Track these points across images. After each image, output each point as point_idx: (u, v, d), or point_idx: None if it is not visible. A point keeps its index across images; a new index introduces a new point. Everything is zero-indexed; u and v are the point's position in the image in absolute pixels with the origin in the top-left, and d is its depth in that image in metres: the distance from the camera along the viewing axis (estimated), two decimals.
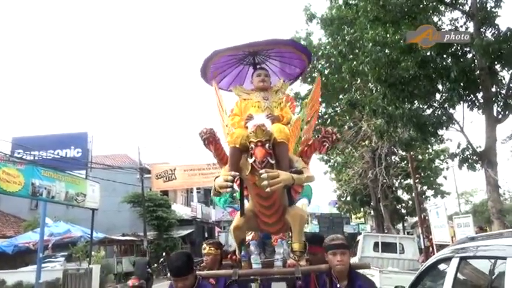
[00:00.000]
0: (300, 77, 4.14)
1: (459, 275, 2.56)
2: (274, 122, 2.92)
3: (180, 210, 25.65)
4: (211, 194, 2.94)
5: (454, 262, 2.63)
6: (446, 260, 2.90)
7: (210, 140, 2.93)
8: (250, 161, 2.59)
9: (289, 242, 3.16)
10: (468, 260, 2.61)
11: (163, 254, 20.26)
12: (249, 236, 3.65)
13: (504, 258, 2.07)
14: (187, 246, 24.12)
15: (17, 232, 18.76)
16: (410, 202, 24.33)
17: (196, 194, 30.16)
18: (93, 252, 15.27)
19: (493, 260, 2.28)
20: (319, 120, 12.98)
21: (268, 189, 2.42)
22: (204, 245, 3.52)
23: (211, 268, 3.34)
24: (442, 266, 3.01)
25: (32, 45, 79.32)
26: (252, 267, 3.18)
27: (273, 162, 2.59)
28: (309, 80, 15.02)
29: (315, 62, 13.81)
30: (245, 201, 3.17)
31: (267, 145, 2.58)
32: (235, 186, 2.99)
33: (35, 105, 64.95)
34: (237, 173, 2.66)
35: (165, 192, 23.12)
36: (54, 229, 16.19)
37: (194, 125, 75.96)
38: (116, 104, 73.79)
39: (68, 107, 67.12)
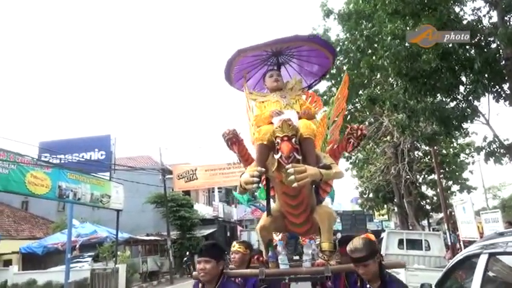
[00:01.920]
0: (325, 77, 4.08)
1: (488, 272, 2.49)
2: (306, 116, 2.87)
3: (202, 209, 25.89)
4: (237, 191, 2.98)
5: (483, 258, 2.57)
6: (475, 256, 2.83)
7: (234, 140, 2.90)
8: (277, 156, 2.52)
9: (318, 242, 3.04)
10: (497, 256, 2.54)
11: (187, 253, 20.50)
12: (278, 237, 3.58)
13: None
14: None
15: (46, 233, 19.38)
16: (435, 198, 23.81)
17: (218, 194, 30.37)
18: (118, 252, 15.61)
19: None
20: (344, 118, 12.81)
21: (295, 184, 2.33)
22: (234, 243, 3.50)
23: (239, 267, 3.25)
24: (470, 263, 2.93)
25: (56, 51, 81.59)
26: (280, 267, 3.07)
27: (299, 157, 2.51)
28: (327, 76, 14.88)
29: (333, 65, 13.68)
30: (271, 201, 3.12)
31: (294, 140, 2.51)
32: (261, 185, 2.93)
33: (61, 109, 66.82)
34: (264, 169, 2.59)
35: (187, 192, 23.38)
36: (81, 230, 16.66)
37: (214, 125, 76.50)
38: (137, 106, 75.12)
39: (91, 110, 68.78)
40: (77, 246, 15.66)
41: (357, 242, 2.42)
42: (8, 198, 20.81)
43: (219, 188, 28.98)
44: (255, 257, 3.29)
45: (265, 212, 2.96)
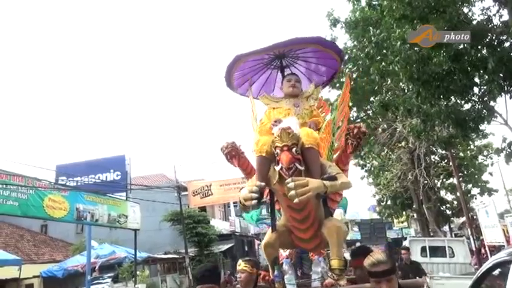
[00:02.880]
0: (334, 79, 3.85)
1: None
2: (312, 127, 2.74)
3: (219, 225, 25.79)
4: (238, 208, 2.83)
5: None
6: (505, 263, 2.71)
7: (233, 154, 2.78)
8: (277, 168, 2.37)
9: (328, 258, 2.84)
10: None
11: None
12: (286, 252, 3.42)
13: None
14: (229, 261, 24.15)
15: (66, 256, 19.52)
16: (455, 202, 23.31)
17: (234, 208, 30.27)
18: (138, 272, 15.59)
19: None
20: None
21: (296, 200, 2.15)
22: (240, 261, 3.31)
23: (245, 287, 3.10)
24: (500, 271, 2.81)
25: (71, 75, 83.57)
26: None
27: (302, 168, 2.34)
28: (337, 85, 14.84)
29: (341, 66, 13.64)
30: (277, 215, 2.93)
31: (294, 149, 2.33)
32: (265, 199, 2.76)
33: (75, 132, 68.06)
34: (263, 184, 2.41)
35: (203, 208, 23.36)
36: (99, 251, 16.72)
37: (227, 139, 76.61)
38: (150, 125, 76.03)
39: (104, 130, 69.84)
40: (97, 267, 15.70)
41: (379, 255, 2.19)
42: (27, 223, 21.12)
43: (234, 203, 28.91)
44: (262, 275, 3.14)
45: (270, 228, 2.76)
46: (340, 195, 3.09)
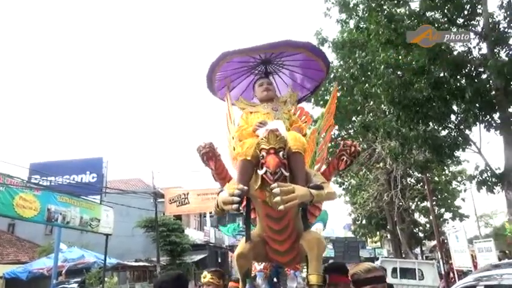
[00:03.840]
0: (316, 91, 3.69)
1: None
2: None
3: (194, 234, 25.48)
4: (213, 212, 2.53)
5: None
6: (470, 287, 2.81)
7: (210, 155, 2.55)
8: (261, 172, 2.19)
9: (305, 273, 2.66)
10: None
11: None
12: (261, 266, 3.27)
13: None
14: (201, 272, 23.80)
15: (32, 258, 18.82)
16: (427, 225, 23.80)
17: (209, 218, 30.00)
18: (106, 279, 15.16)
19: None
20: (332, 143, 12.85)
21: (281, 207, 2.00)
22: (205, 273, 3.09)
23: None
24: None
25: (47, 71, 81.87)
26: None
27: (287, 174, 2.19)
28: (321, 103, 15.07)
29: (327, 84, 13.86)
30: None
31: (281, 153, 2.18)
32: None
33: (52, 130, 66.42)
34: (246, 187, 2.21)
35: (178, 217, 23.04)
36: (68, 255, 16.20)
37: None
38: (129, 128, 74.99)
39: (83, 132, 68.44)
40: (63, 271, 15.17)
41: (368, 264, 2.15)
42: None
43: (210, 213, 28.66)
44: (233, 286, 2.92)
45: (244, 238, 2.56)
46: (319, 209, 2.97)
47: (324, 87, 13.66)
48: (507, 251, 13.45)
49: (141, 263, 20.68)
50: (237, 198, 2.11)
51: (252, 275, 2.77)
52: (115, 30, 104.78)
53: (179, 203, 19.49)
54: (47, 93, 76.27)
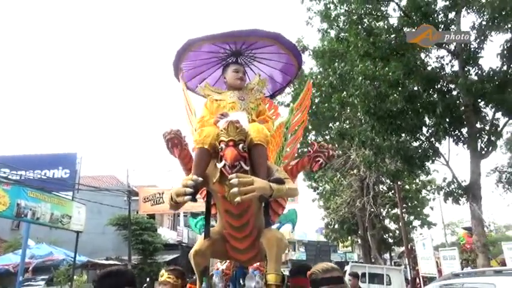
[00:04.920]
0: (288, 86, 3.56)
1: None
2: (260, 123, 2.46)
3: (166, 234, 25.21)
4: (168, 206, 2.30)
5: None
6: None
7: (175, 141, 2.39)
8: (219, 165, 2.08)
9: (263, 273, 2.56)
10: None
11: (147, 279, 19.76)
12: (223, 266, 3.15)
13: None
14: None
15: None
16: (397, 232, 24.43)
17: (183, 218, 29.78)
18: (75, 277, 14.84)
19: None
20: (308, 149, 13.07)
21: (238, 199, 1.91)
22: (163, 271, 2.94)
23: None
24: None
25: (22, 63, 79.22)
26: None
27: (247, 168, 2.09)
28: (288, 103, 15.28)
29: (298, 73, 14.00)
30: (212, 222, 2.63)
31: (241, 146, 2.07)
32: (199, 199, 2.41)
33: (23, 123, 64.24)
34: (200, 178, 2.10)
35: (151, 216, 22.77)
36: (36, 251, 15.74)
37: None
38: (103, 124, 73.46)
39: (55, 127, 66.53)
40: (30, 268, 14.74)
41: (326, 264, 2.04)
42: None
43: (184, 213, 28.45)
44: (188, 287, 2.80)
45: (202, 235, 2.46)
46: (282, 207, 2.89)
47: (300, 90, 13.92)
48: (469, 261, 14.04)
49: (111, 262, 20.31)
50: (189, 190, 2.02)
51: (210, 274, 2.66)
52: (89, 25, 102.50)
53: (154, 202, 19.27)
54: (19, 84, 73.79)
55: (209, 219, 2.52)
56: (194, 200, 2.08)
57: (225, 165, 2.04)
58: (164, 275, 2.87)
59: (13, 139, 59.43)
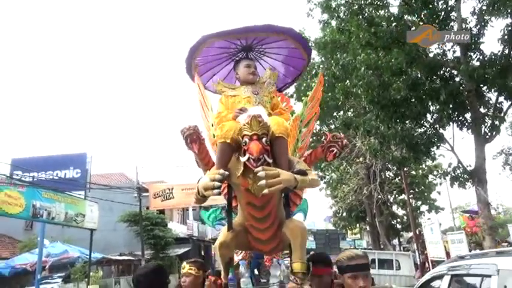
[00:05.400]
0: (296, 80, 3.63)
1: None
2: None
3: (176, 228, 25.54)
4: (194, 200, 2.40)
5: (446, 279, 2.89)
6: (440, 277, 3.14)
7: (194, 137, 2.46)
8: (243, 159, 2.10)
9: (288, 261, 2.60)
10: (458, 278, 2.86)
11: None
12: (238, 256, 3.19)
13: (489, 276, 2.33)
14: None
15: (13, 253, 18.60)
16: (405, 217, 24.57)
17: (192, 212, 30.10)
18: (91, 273, 15.22)
19: (479, 278, 2.53)
20: (313, 138, 13.19)
21: (266, 191, 1.97)
22: (184, 264, 2.99)
23: None
24: (435, 283, 3.24)
25: (30, 65, 79.59)
26: None
27: (270, 161, 2.11)
28: (303, 99, 15.37)
29: (308, 80, 14.14)
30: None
31: (264, 139, 2.11)
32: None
33: (34, 125, 64.81)
34: (227, 172, 2.16)
35: (161, 211, 23.07)
36: (51, 250, 16.12)
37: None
38: (112, 122, 73.86)
39: (65, 126, 67.06)
40: (47, 266, 15.15)
41: (355, 250, 2.15)
42: None
43: (193, 206, 28.74)
44: (212, 279, 2.86)
45: (226, 227, 2.52)
46: (300, 197, 2.97)
47: (305, 83, 14.00)
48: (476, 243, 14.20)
49: (125, 257, 20.71)
50: (218, 183, 2.07)
51: (235, 264, 2.68)
52: (95, 24, 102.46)
53: (164, 197, 19.53)
54: (27, 87, 74.21)
55: (231, 212, 2.57)
56: (220, 194, 2.15)
57: (249, 158, 2.06)
58: (186, 267, 2.91)
59: (25, 141, 60.06)
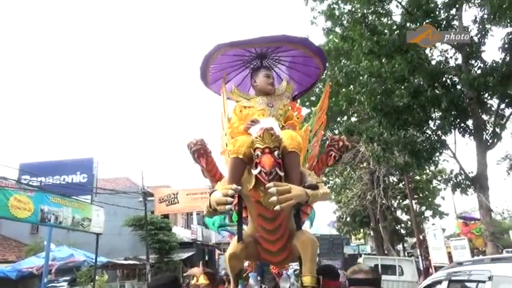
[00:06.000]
0: (311, 89, 3.65)
1: None
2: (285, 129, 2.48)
3: (181, 232, 25.68)
4: (204, 212, 2.37)
5: (444, 285, 3.01)
6: (438, 282, 3.26)
7: (201, 152, 2.48)
8: (255, 172, 2.11)
9: (298, 273, 2.68)
10: (456, 283, 2.98)
11: None
12: (244, 264, 3.21)
13: (483, 282, 2.46)
14: (188, 269, 24.08)
15: (19, 257, 18.80)
16: (409, 223, 24.48)
17: (196, 217, 30.23)
18: (96, 277, 15.36)
19: (474, 284, 2.65)
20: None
21: (277, 207, 1.97)
22: (195, 270, 3.15)
23: None
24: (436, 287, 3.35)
25: (38, 71, 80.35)
26: None
27: (281, 174, 2.13)
28: (307, 103, 15.53)
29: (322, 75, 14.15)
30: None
31: (276, 153, 2.11)
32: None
33: (41, 131, 65.33)
34: (239, 187, 2.17)
35: (165, 215, 23.24)
36: (57, 253, 16.29)
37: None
38: (117, 127, 74.27)
39: (72, 131, 67.54)
40: (53, 270, 15.29)
41: (362, 265, 2.19)
42: None
43: (197, 211, 28.87)
44: None
45: (235, 238, 2.52)
46: (310, 207, 2.96)
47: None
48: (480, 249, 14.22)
49: (130, 261, 20.85)
50: (230, 199, 2.08)
51: (244, 275, 2.74)
52: (99, 29, 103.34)
53: (169, 202, 19.68)
54: (35, 93, 74.90)
55: (241, 223, 2.58)
56: (231, 209, 2.20)
57: (260, 171, 2.07)
58: (201, 278, 2.97)
59: (33, 147, 60.54)
